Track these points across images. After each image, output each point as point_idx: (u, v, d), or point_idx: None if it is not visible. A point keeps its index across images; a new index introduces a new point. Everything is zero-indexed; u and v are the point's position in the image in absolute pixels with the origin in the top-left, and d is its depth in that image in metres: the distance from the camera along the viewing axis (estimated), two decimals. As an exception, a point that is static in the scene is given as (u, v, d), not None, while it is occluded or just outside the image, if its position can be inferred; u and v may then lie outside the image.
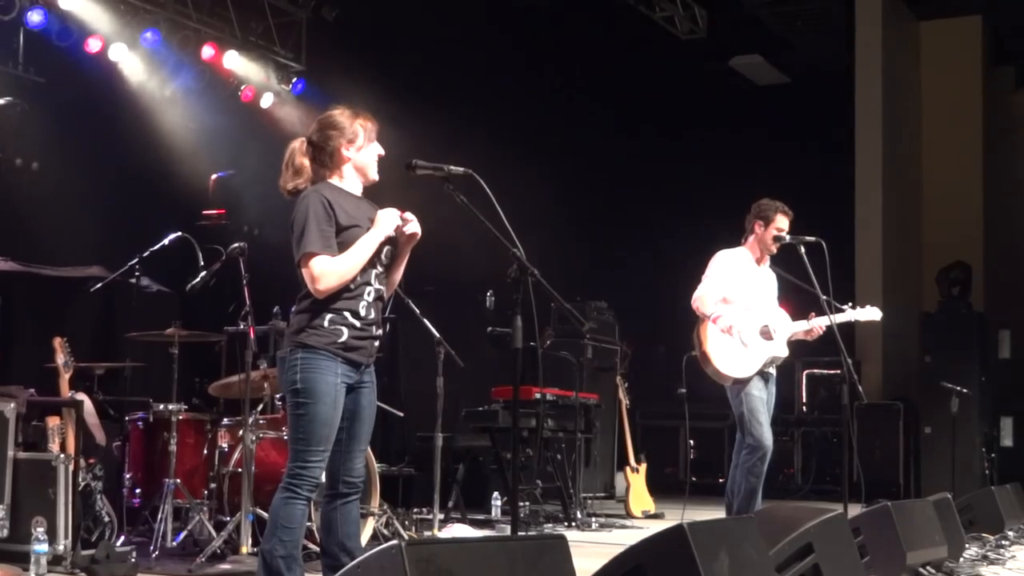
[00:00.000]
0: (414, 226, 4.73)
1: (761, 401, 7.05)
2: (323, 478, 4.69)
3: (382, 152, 4.82)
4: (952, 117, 14.65)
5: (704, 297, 7.13)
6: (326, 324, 4.55)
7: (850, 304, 7.21)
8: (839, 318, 7.05)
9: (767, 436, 6.99)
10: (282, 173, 4.77)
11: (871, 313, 7.24)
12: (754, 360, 7.07)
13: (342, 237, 4.58)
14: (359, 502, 4.83)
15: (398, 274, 4.86)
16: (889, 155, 14.17)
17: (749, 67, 14.96)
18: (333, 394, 4.52)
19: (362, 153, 4.76)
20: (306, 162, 4.74)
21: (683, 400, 8.44)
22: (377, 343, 4.72)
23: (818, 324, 7.16)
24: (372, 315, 4.66)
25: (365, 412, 4.73)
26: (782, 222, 7.25)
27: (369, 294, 4.65)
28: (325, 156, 4.72)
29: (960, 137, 14.54)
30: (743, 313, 7.13)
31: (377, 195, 4.89)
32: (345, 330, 4.56)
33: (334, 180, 4.73)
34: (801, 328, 7.22)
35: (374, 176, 4.81)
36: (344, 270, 4.55)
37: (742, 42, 14.58)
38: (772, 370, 7.23)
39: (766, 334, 7.13)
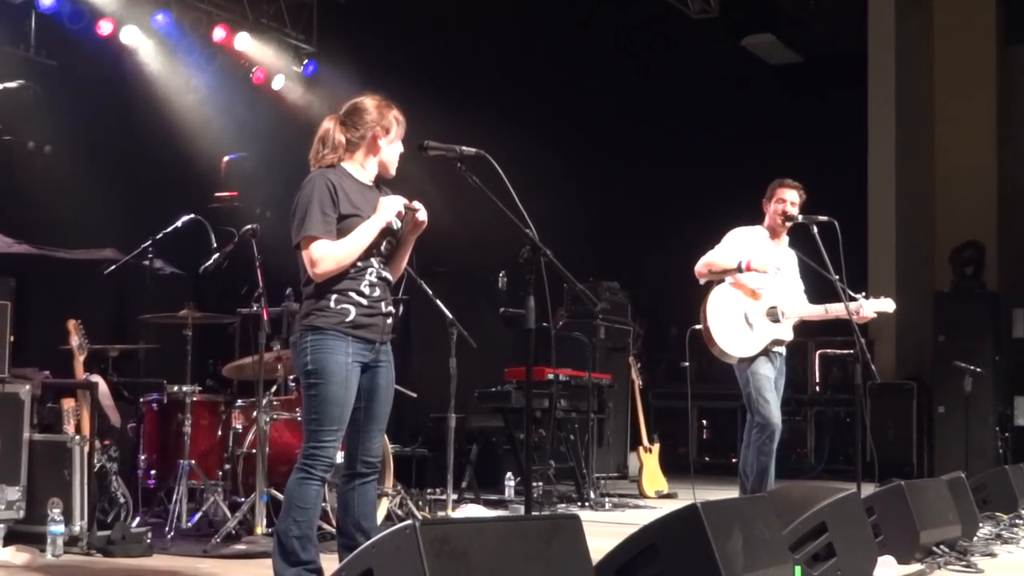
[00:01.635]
0: (423, 213, 4.72)
1: (768, 380, 7.02)
2: (337, 458, 4.70)
3: (403, 151, 4.81)
4: (966, 95, 14.56)
5: (705, 258, 7.05)
6: (332, 305, 4.55)
7: (864, 294, 7.15)
8: (852, 307, 6.98)
9: (775, 414, 6.96)
10: (316, 149, 4.71)
11: (885, 304, 7.17)
12: (756, 341, 7.03)
13: (341, 225, 4.56)
14: (373, 483, 4.84)
15: (401, 264, 4.84)
16: (902, 134, 14.11)
17: (761, 46, 14.90)
18: (344, 374, 4.52)
19: (392, 147, 4.76)
20: (343, 139, 4.72)
21: (704, 386, 8.38)
22: (390, 321, 4.71)
23: (835, 311, 7.10)
24: (378, 293, 4.65)
25: (382, 392, 4.72)
26: (785, 194, 7.18)
27: (371, 274, 4.64)
28: (355, 139, 4.71)
29: (974, 116, 14.46)
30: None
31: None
32: (352, 309, 4.56)
33: (347, 164, 4.72)
34: (815, 313, 7.17)
35: (393, 173, 4.81)
36: (343, 255, 4.54)
37: (754, 21, 14.52)
38: (781, 349, 7.19)
39: (773, 316, 7.09)
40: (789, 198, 7.18)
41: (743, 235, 7.19)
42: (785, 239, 7.32)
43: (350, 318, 4.55)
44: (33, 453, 6.19)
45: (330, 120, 4.75)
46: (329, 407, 4.51)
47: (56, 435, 6.28)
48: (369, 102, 4.73)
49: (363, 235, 4.57)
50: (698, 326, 7.10)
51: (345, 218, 4.57)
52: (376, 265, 4.67)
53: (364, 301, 4.60)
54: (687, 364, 7.85)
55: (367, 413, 4.68)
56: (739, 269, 6.96)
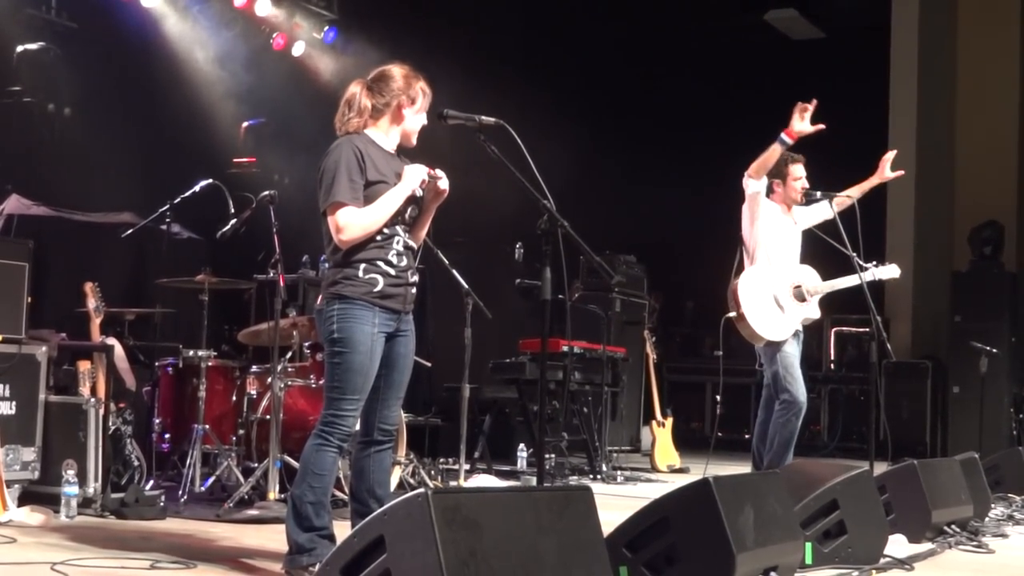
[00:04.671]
0: (445, 181, 4.71)
1: (795, 358, 7.07)
2: (356, 427, 4.71)
3: (426, 123, 4.78)
4: (988, 72, 14.43)
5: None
6: (360, 274, 4.54)
7: (874, 263, 7.15)
8: (864, 278, 6.98)
9: (802, 392, 7.01)
10: (342, 112, 4.70)
11: (890, 271, 7.18)
12: (790, 323, 7.06)
13: (367, 192, 4.56)
14: (387, 451, 4.85)
15: (422, 232, 4.83)
16: (923, 111, 14.02)
17: (784, 21, 14.80)
18: (369, 344, 4.52)
19: (416, 118, 4.74)
20: (369, 104, 4.70)
21: (718, 360, 8.27)
22: (414, 290, 4.71)
23: (847, 284, 7.13)
24: (405, 263, 4.65)
25: (402, 361, 4.73)
26: (797, 169, 7.20)
27: (398, 243, 4.64)
28: (380, 106, 4.69)
29: (996, 93, 14.35)
30: (777, 274, 7.11)
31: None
32: (380, 278, 4.56)
33: (371, 131, 4.70)
34: (834, 287, 7.19)
35: (414, 144, 4.79)
36: (369, 223, 4.53)
37: (777, -5, 14.43)
38: (800, 326, 7.22)
39: (800, 296, 7.10)
40: (802, 173, 7.21)
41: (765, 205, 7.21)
42: (794, 212, 7.33)
43: (378, 288, 4.55)
44: (48, 415, 6.23)
45: (357, 84, 4.74)
46: (352, 376, 4.51)
47: (72, 397, 6.32)
48: (397, 70, 4.71)
49: (389, 202, 4.57)
50: (730, 314, 7.06)
51: (371, 184, 4.57)
52: (402, 233, 4.66)
53: (392, 271, 4.60)
54: (719, 353, 7.77)
55: (387, 381, 4.69)
56: (782, 143, 6.90)
